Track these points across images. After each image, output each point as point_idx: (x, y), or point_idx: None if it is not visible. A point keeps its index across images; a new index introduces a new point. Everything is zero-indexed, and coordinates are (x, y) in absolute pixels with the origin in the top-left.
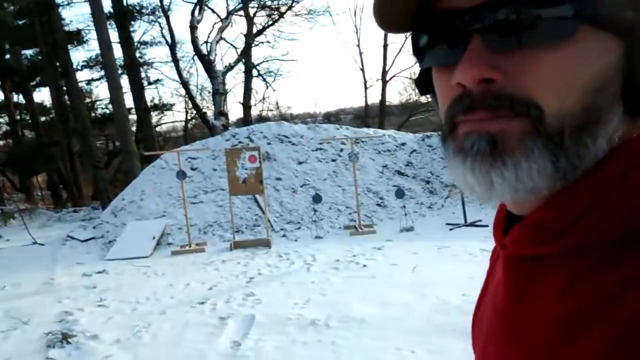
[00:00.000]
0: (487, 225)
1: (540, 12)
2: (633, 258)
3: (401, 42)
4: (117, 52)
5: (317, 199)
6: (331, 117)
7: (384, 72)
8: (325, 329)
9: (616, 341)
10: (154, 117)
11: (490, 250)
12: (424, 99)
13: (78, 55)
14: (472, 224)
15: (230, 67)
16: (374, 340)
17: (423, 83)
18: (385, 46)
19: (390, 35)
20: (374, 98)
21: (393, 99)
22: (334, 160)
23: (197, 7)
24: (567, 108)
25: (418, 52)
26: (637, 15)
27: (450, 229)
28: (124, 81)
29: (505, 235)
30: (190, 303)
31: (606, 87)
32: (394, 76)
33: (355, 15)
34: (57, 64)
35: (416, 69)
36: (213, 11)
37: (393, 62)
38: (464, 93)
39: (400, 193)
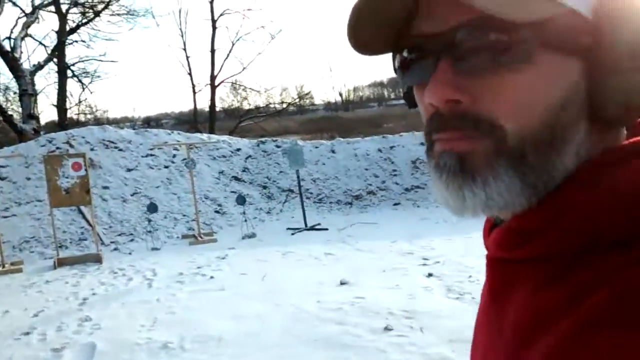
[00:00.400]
0: (327, 229)
1: (500, 38)
2: (586, 268)
3: (228, 48)
4: None
5: (152, 208)
6: (151, 122)
7: (213, 77)
8: (180, 352)
9: (572, 336)
10: None
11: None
12: (246, 105)
13: None
14: (313, 228)
15: (40, 66)
16: (234, 359)
17: (409, 98)
18: (212, 51)
19: (217, 40)
20: (202, 103)
21: (218, 104)
22: (167, 167)
23: None
24: (529, 127)
25: (398, 70)
26: (594, 38)
27: (292, 234)
28: None
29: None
30: (13, 335)
31: (569, 106)
32: (222, 81)
33: (180, 17)
34: None
35: (241, 77)
36: (15, 4)
37: (221, 67)
38: (435, 112)
39: (241, 199)
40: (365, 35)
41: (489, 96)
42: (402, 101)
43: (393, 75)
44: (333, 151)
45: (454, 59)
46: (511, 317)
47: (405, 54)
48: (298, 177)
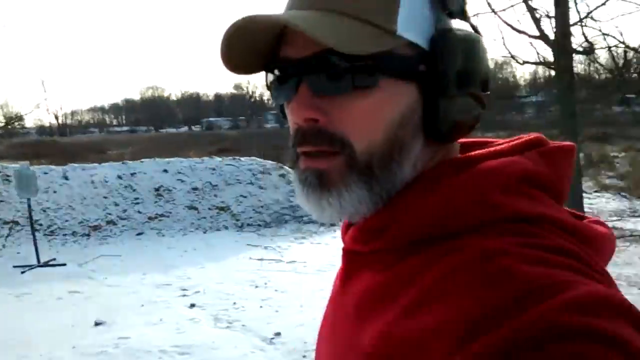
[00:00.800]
0: (64, 264)
1: (347, 67)
2: (417, 256)
3: None
4: None
5: None
6: None
7: None
8: None
9: (404, 312)
10: None
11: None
12: None
13: None
14: (48, 264)
15: None
16: None
17: (283, 112)
18: None
19: None
20: None
21: None
22: None
23: None
24: (374, 144)
25: (269, 89)
26: (429, 67)
27: (23, 272)
28: None
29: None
30: None
31: (407, 123)
32: None
33: None
34: None
35: None
36: None
37: None
38: (298, 128)
39: None
40: (236, 58)
41: (341, 116)
42: (125, 128)
43: (114, 100)
44: (66, 177)
45: (312, 83)
46: (355, 298)
47: (275, 74)
48: (29, 206)
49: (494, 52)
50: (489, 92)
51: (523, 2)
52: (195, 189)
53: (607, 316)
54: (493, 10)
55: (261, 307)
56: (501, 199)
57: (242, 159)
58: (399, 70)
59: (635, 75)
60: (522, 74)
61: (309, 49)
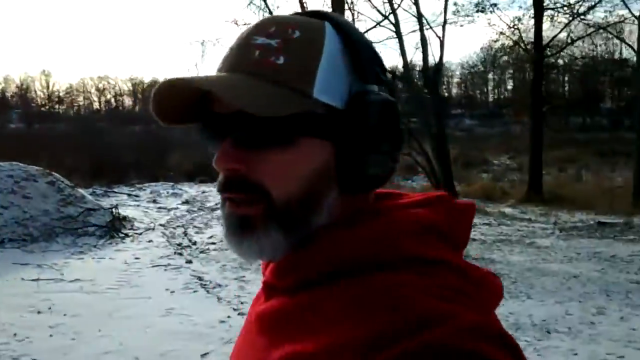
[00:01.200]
0: None
1: (266, 125)
2: (326, 287)
3: None
4: None
5: None
6: None
7: None
8: None
9: (308, 335)
10: None
11: None
12: None
13: None
14: None
15: None
16: None
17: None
18: None
19: None
20: None
21: None
22: None
23: None
24: (291, 195)
25: (201, 138)
26: (342, 127)
27: None
28: None
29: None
30: None
31: (322, 177)
32: None
33: None
34: None
35: None
36: None
37: None
38: (223, 175)
39: None
40: (166, 112)
41: (260, 168)
42: None
43: None
44: None
45: (234, 137)
46: (265, 323)
47: (205, 125)
48: None
49: None
50: (401, 150)
51: None
52: None
53: (486, 341)
54: None
55: (51, 335)
56: (407, 243)
57: (1, 163)
58: (314, 130)
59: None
60: None
61: (231, 106)
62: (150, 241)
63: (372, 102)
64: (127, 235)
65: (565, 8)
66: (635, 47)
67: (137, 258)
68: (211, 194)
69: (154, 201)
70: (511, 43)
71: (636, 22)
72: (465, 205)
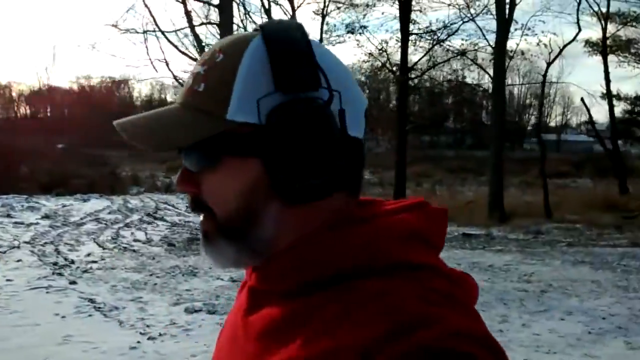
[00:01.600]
0: None
1: (195, 150)
2: (318, 295)
3: None
4: None
5: None
6: None
7: None
8: None
9: (305, 342)
10: None
11: None
12: None
13: None
14: None
15: None
16: None
17: None
18: None
19: None
20: None
21: None
22: None
23: None
24: (230, 211)
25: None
26: (264, 143)
27: None
28: None
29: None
30: None
31: (256, 191)
32: None
33: None
34: None
35: None
36: None
37: None
38: (189, 196)
39: None
40: (137, 142)
41: (203, 189)
42: None
43: None
44: None
45: (184, 162)
46: (257, 329)
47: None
48: None
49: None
50: (339, 155)
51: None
52: None
53: (476, 344)
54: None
55: None
56: (395, 249)
57: None
58: (234, 149)
59: None
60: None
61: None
62: (19, 260)
63: (291, 113)
64: None
65: (427, 35)
66: (491, 72)
67: (9, 280)
68: (73, 207)
69: (8, 215)
70: (379, 64)
71: (489, 50)
72: (441, 210)
